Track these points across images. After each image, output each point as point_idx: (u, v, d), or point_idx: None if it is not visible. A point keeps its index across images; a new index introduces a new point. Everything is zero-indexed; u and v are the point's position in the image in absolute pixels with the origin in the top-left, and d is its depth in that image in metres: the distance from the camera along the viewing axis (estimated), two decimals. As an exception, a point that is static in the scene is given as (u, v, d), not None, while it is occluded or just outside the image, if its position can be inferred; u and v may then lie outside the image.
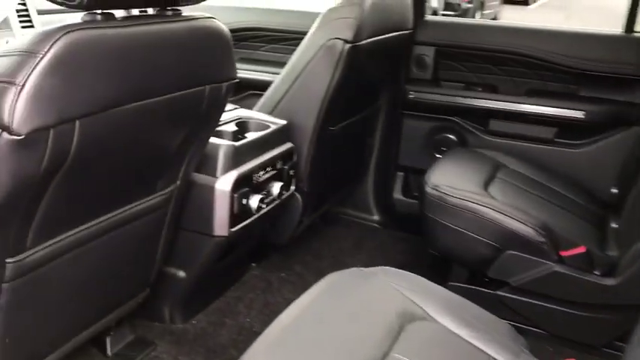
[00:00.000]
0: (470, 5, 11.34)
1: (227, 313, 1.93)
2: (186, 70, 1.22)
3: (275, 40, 2.79)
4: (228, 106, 1.98)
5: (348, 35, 1.84)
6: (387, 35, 2.08)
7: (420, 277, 1.38)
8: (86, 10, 1.01)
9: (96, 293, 1.42)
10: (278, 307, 1.97)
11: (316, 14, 2.68)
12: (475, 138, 2.46)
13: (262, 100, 2.04)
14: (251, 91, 2.86)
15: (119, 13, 1.08)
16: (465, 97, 2.40)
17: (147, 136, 1.23)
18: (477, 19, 2.53)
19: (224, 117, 1.87)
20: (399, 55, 2.42)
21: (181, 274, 1.75)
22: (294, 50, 2.00)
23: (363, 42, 1.90)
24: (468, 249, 1.85)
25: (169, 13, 1.19)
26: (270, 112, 1.99)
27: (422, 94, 2.47)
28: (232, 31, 2.89)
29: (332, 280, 1.29)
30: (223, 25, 1.31)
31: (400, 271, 1.39)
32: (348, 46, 1.85)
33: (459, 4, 11.19)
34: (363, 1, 1.89)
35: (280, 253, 2.32)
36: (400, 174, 2.67)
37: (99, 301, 1.46)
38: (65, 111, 0.96)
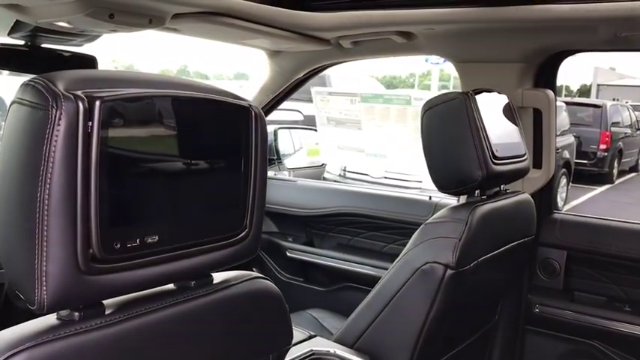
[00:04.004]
0: (605, 154, 10.64)
1: None
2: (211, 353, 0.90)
3: (376, 228, 2.47)
4: (302, 334, 1.63)
5: (450, 259, 1.47)
6: (504, 248, 1.68)
7: None
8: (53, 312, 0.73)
9: None
10: None
11: (429, 203, 2.36)
12: (625, 374, 1.90)
13: (344, 327, 1.68)
14: (347, 283, 2.53)
15: (112, 301, 0.78)
16: (608, 318, 1.89)
17: None
18: (621, 222, 2.15)
19: (293, 351, 1.52)
20: (521, 261, 1.99)
21: None
22: (397, 240, 1.63)
23: (472, 265, 1.52)
24: None
25: (192, 284, 0.89)
26: (353, 345, 1.62)
27: (550, 309, 1.99)
28: (329, 215, 2.69)
29: None
30: (269, 283, 0.99)
31: None
32: (450, 272, 1.47)
33: (594, 153, 10.51)
34: (472, 213, 1.52)
35: None
36: None
37: None
38: None
